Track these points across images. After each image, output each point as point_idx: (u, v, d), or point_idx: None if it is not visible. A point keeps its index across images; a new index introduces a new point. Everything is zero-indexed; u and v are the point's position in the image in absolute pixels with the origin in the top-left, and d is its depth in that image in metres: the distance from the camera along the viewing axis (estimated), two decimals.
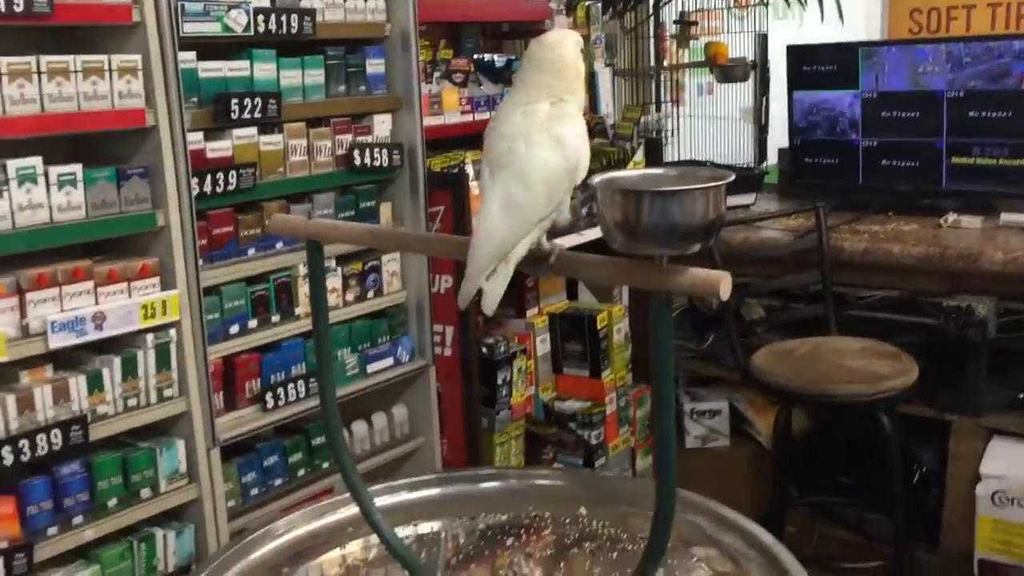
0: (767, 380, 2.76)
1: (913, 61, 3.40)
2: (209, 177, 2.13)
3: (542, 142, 1.10)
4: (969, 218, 3.18)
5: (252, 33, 2.20)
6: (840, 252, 3.08)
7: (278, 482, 2.35)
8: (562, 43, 1.15)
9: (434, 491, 1.62)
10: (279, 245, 2.31)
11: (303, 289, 2.38)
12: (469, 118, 2.88)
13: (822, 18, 3.55)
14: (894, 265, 3.00)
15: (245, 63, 2.23)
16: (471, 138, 2.94)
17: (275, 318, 2.32)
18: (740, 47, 4.00)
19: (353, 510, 1.43)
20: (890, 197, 3.45)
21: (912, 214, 3.35)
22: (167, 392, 2.07)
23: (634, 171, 1.11)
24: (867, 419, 2.73)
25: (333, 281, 2.47)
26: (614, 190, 0.99)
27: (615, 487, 1.68)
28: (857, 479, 3.21)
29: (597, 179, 1.03)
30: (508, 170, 1.10)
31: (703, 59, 3.96)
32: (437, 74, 2.84)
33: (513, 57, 3.11)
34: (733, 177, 0.97)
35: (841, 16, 3.69)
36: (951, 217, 3.21)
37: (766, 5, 3.75)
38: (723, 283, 0.96)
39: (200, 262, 2.10)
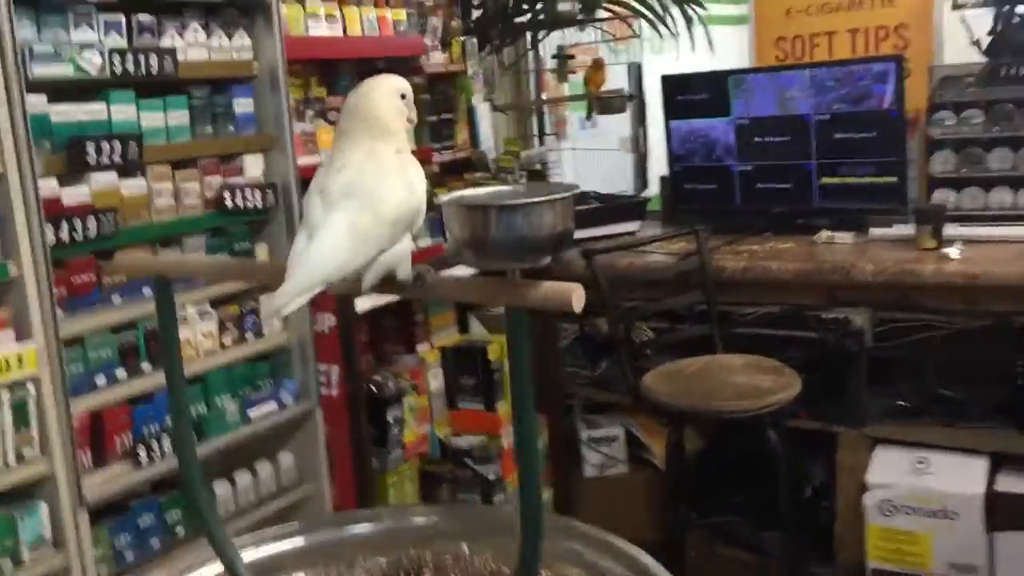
0: (657, 400, 2.78)
1: (780, 87, 3.51)
2: (66, 225, 2.03)
3: (395, 184, 1.13)
4: (841, 234, 3.29)
5: (108, 75, 2.12)
6: (722, 272, 3.14)
7: (155, 543, 2.23)
8: (375, 90, 1.21)
9: (306, 539, 1.55)
10: (147, 291, 2.21)
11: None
12: None
13: (693, 47, 3.64)
14: (773, 281, 3.07)
15: (101, 105, 2.15)
16: None
17: (146, 367, 2.22)
18: (617, 79, 4.08)
19: (219, 568, 1.36)
20: (767, 218, 3.55)
21: (788, 233, 3.45)
22: (27, 452, 1.95)
23: (482, 189, 1.09)
24: (755, 435, 2.76)
25: (209, 325, 2.39)
26: (460, 206, 0.97)
27: (494, 518, 1.64)
28: (750, 497, 3.25)
29: (444, 198, 1.01)
30: (355, 200, 1.10)
31: (583, 92, 4.03)
32: (311, 112, 2.79)
33: None
34: (579, 189, 0.96)
35: (711, 46, 3.80)
36: (824, 234, 3.31)
37: (639, 37, 3.84)
38: (575, 294, 0.95)
39: (60, 312, 2.00)
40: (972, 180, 3.22)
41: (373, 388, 2.80)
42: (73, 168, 2.07)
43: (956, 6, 3.31)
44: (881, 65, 3.32)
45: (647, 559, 1.38)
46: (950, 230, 3.05)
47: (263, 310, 2.50)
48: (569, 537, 1.44)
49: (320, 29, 2.73)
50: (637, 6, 3.84)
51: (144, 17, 2.23)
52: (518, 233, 0.94)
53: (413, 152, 1.23)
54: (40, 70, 1.99)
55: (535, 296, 0.96)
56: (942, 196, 3.26)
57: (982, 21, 3.31)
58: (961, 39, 3.35)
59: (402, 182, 1.13)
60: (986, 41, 3.25)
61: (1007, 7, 3.26)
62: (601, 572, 1.38)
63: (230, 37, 2.43)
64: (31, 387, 1.95)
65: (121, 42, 2.18)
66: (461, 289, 1.01)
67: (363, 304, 2.63)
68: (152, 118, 2.26)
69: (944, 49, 3.56)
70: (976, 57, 3.31)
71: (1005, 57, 3.25)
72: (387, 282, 1.13)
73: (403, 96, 1.21)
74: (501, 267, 0.98)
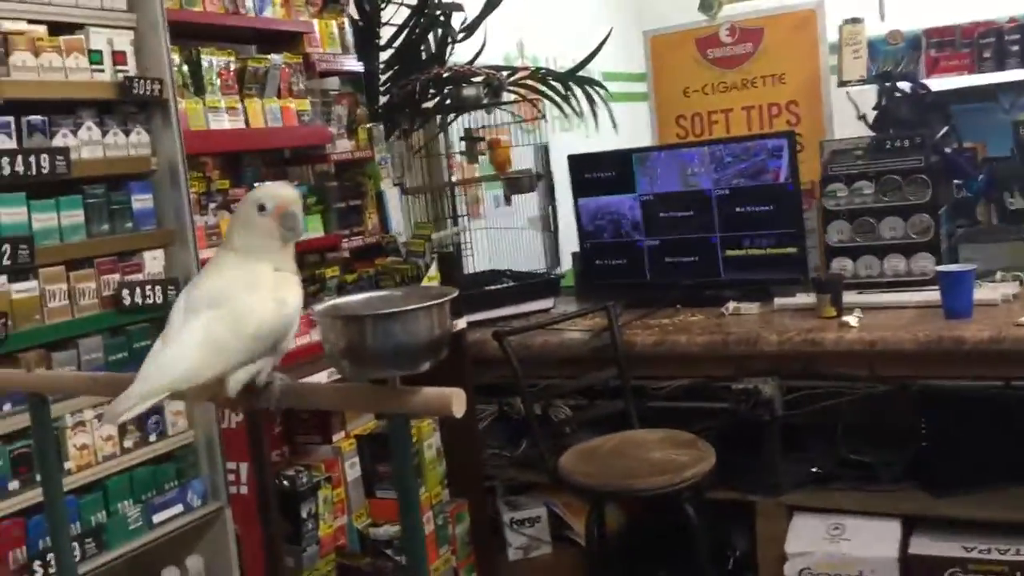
0: (574, 481, 2.77)
1: (682, 163, 3.62)
2: None
3: (264, 297, 1.13)
4: (748, 305, 3.37)
5: None
6: (633, 347, 3.18)
7: None
8: (241, 205, 1.24)
9: None
10: (7, 407, 2.13)
11: (73, 440, 2.21)
12: None
13: (597, 127, 3.73)
14: (683, 355, 3.12)
15: None
16: None
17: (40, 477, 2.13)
18: (526, 159, 4.15)
19: None
20: (676, 291, 3.61)
21: (698, 305, 3.51)
22: None
23: (357, 296, 1.09)
24: (674, 510, 2.77)
25: (109, 429, 2.31)
26: (335, 317, 0.97)
27: None
28: (673, 572, 3.24)
29: (319, 307, 1.00)
30: (218, 310, 1.09)
31: (493, 172, 4.08)
32: (213, 205, 2.76)
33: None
34: (456, 293, 0.97)
35: (615, 125, 3.90)
36: (731, 305, 3.38)
37: (544, 119, 3.92)
38: (455, 400, 0.95)
39: None
40: (866, 248, 3.33)
41: (286, 483, 2.73)
42: None
43: (842, 83, 3.46)
44: (775, 141, 3.45)
45: None
46: (849, 297, 3.15)
47: (105, 414, 2.43)
48: None
49: (222, 122, 2.72)
50: (542, 88, 3.93)
51: (34, 117, 2.19)
52: (396, 341, 0.94)
53: (301, 265, 1.23)
54: None
55: (416, 403, 0.96)
56: (840, 264, 3.37)
57: (867, 97, 3.47)
58: (849, 114, 3.50)
59: (272, 297, 1.12)
60: (872, 116, 3.41)
61: (888, 84, 3.43)
62: None
63: (127, 134, 2.40)
64: None
65: (10, 143, 2.13)
66: (339, 396, 1.00)
67: None
68: (44, 219, 2.21)
69: (834, 123, 3.71)
70: (865, 131, 3.46)
71: (891, 130, 3.41)
72: (247, 393, 1.12)
73: (261, 208, 1.18)
74: (380, 375, 0.97)
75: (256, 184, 2.94)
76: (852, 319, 2.98)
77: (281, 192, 1.21)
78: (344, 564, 2.91)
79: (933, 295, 3.04)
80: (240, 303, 1.11)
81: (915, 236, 3.25)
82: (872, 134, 3.41)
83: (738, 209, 3.48)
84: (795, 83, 3.73)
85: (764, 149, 3.43)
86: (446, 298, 0.96)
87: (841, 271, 3.31)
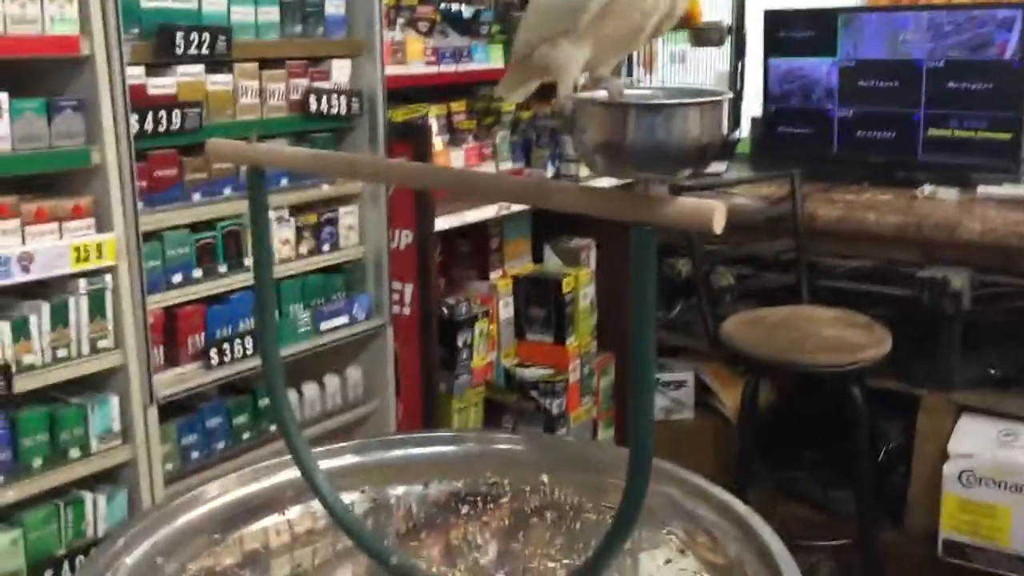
0: (737, 348, 2.67)
1: (893, 29, 3.30)
2: (150, 115, 1.97)
3: None
4: (945, 190, 3.11)
5: None
6: (814, 220, 2.99)
7: (221, 445, 2.21)
8: None
9: (383, 455, 1.49)
10: (227, 191, 2.16)
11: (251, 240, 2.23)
12: (434, 69, 2.73)
13: None
14: (869, 234, 2.92)
15: None
16: (435, 90, 2.81)
17: (222, 268, 2.17)
18: (717, 11, 3.89)
19: (294, 473, 1.30)
20: (864, 169, 3.38)
21: (887, 185, 3.28)
22: (101, 343, 1.92)
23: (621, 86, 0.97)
24: (837, 391, 2.64)
25: (286, 232, 2.33)
26: (593, 104, 0.87)
27: (579, 452, 1.57)
28: (823, 455, 3.14)
29: (577, 95, 0.91)
30: None
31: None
32: (401, 21, 2.68)
33: (482, 8, 2.96)
34: (731, 95, 0.85)
35: None
36: (927, 188, 3.13)
37: None
38: (717, 213, 0.85)
39: (140, 205, 1.95)
40: None
41: (445, 311, 2.73)
42: (161, 57, 2.00)
43: None
44: (1006, 11, 3.10)
45: (741, 507, 1.30)
46: None
47: None
48: (660, 479, 1.36)
49: None
50: None
51: None
52: (662, 138, 0.84)
53: None
54: None
55: (671, 212, 0.87)
56: None
57: None
58: None
59: None
60: None
61: None
62: (696, 520, 1.30)
63: None
64: (108, 279, 1.91)
65: None
66: (581, 197, 0.91)
67: (442, 223, 2.55)
68: (242, 12, 2.17)
69: None
70: None
71: None
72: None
73: None
74: (636, 177, 0.88)
75: (443, 5, 2.84)
76: None
77: None
78: (492, 398, 2.94)
79: None
80: None
81: None
82: None
83: (951, 84, 3.17)
84: None
85: (993, 19, 3.09)
86: (722, 96, 0.85)
87: None
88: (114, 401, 1.95)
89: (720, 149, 3.03)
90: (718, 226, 0.85)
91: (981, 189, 3.08)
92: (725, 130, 0.86)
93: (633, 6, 0.95)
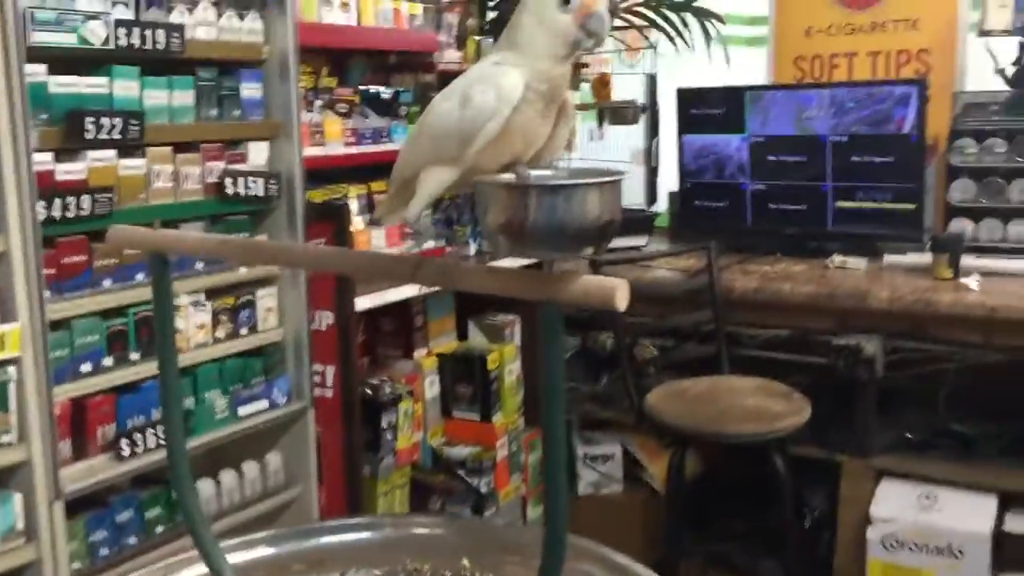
0: (661, 420, 2.69)
1: (798, 106, 3.44)
2: (59, 201, 1.94)
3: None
4: (855, 259, 3.21)
5: (113, 47, 2.03)
6: (731, 291, 3.06)
7: (132, 540, 2.12)
8: None
9: (298, 545, 1.44)
10: (140, 276, 2.11)
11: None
12: (353, 150, 2.75)
13: (710, 60, 3.57)
14: (784, 304, 2.99)
15: (104, 79, 2.05)
16: (355, 170, 2.82)
17: (135, 356, 2.12)
18: (630, 90, 4.00)
19: (203, 569, 1.25)
20: (778, 240, 3.47)
21: (799, 256, 3.37)
22: (4, 438, 1.84)
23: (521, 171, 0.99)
24: (760, 460, 2.67)
25: (202, 316, 2.29)
26: (496, 187, 0.88)
27: (501, 535, 1.54)
28: (750, 524, 3.15)
29: (479, 178, 0.92)
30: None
31: (592, 101, 3.94)
32: (319, 103, 2.70)
33: (401, 89, 3.01)
34: (628, 173, 0.87)
35: (728, 61, 3.72)
36: (837, 259, 3.23)
37: (654, 48, 3.76)
38: (619, 291, 0.86)
39: (47, 293, 1.90)
40: (991, 211, 3.15)
41: (368, 391, 2.70)
42: (70, 142, 1.97)
43: (982, 33, 3.24)
44: (903, 88, 3.26)
45: None
46: (967, 261, 2.98)
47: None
48: (582, 558, 1.35)
49: (334, 16, 2.65)
50: (655, 18, 3.76)
51: None
52: (562, 218, 0.85)
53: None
54: (41, 37, 1.90)
55: (574, 291, 0.87)
56: (959, 226, 3.19)
57: (1007, 50, 3.24)
58: (985, 66, 3.27)
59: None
60: (1011, 70, 3.18)
61: None
62: None
63: (241, 18, 2.34)
64: (12, 370, 1.84)
65: (128, 14, 2.08)
66: (488, 279, 0.92)
67: (363, 303, 2.53)
68: (156, 96, 2.16)
69: (967, 76, 3.49)
70: (1000, 86, 3.24)
71: None
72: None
73: (566, 1, 0.98)
74: (538, 256, 0.88)
75: (362, 87, 2.87)
76: (971, 282, 2.82)
77: None
78: (418, 479, 2.89)
79: None
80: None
81: None
82: (1010, 90, 3.19)
83: (855, 158, 3.30)
84: (929, 30, 3.49)
85: (891, 96, 3.24)
86: (619, 176, 0.87)
87: (961, 232, 3.12)
88: (17, 498, 1.86)
89: (644, 223, 3.05)
90: (621, 303, 0.86)
91: (888, 258, 3.19)
92: (621, 211, 0.88)
93: (515, 138, 0.99)
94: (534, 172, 0.96)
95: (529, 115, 0.97)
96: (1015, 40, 3.21)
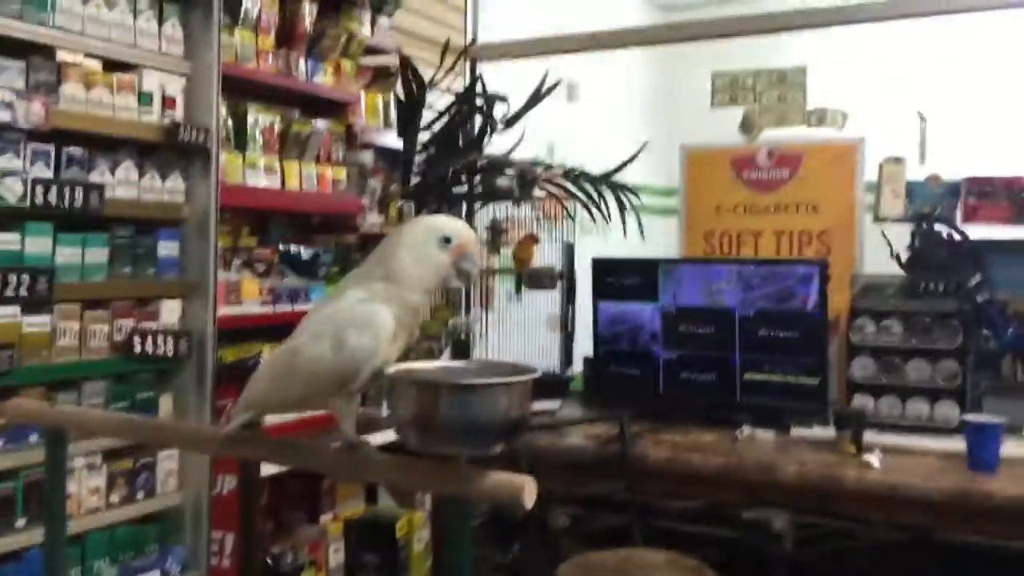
0: None
1: (708, 279, 3.56)
2: None
3: (324, 335, 1.04)
4: (763, 431, 3.26)
5: (28, 205, 2.01)
6: (644, 460, 3.05)
7: None
8: (419, 227, 1.10)
9: None
10: (33, 438, 2.02)
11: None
12: (270, 309, 2.74)
13: (625, 233, 3.70)
14: (695, 475, 2.99)
15: (16, 236, 2.03)
16: (271, 329, 2.79)
17: (20, 522, 2.00)
18: (548, 256, 4.11)
19: None
20: (689, 409, 3.51)
21: (710, 425, 3.41)
22: None
23: (433, 363, 1.00)
24: None
25: (97, 480, 2.19)
26: (409, 383, 0.88)
27: None
28: None
29: (392, 370, 0.92)
30: (297, 338, 1.02)
31: (512, 266, 4.03)
32: (237, 262, 2.70)
33: (321, 250, 3.03)
34: (539, 373, 0.89)
35: (642, 233, 3.87)
36: (746, 430, 3.28)
37: (573, 218, 3.90)
38: (527, 489, 0.86)
39: None
40: (890, 388, 3.25)
41: (269, 561, 2.59)
42: None
43: (877, 219, 3.45)
44: (806, 268, 3.40)
45: None
46: (869, 436, 3.05)
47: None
48: None
49: (258, 180, 2.68)
50: (573, 189, 3.92)
51: (75, 150, 2.15)
52: (472, 416, 0.85)
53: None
54: None
55: (483, 486, 0.87)
56: (861, 401, 3.28)
57: (900, 237, 3.45)
58: (880, 251, 3.47)
59: (332, 335, 1.02)
60: (905, 255, 3.38)
61: (925, 226, 3.42)
62: None
63: (164, 178, 2.35)
64: None
65: (47, 173, 2.08)
66: (399, 471, 0.90)
67: (269, 468, 2.46)
68: (68, 253, 2.14)
69: (864, 259, 3.69)
70: (896, 270, 3.43)
71: (923, 272, 3.37)
72: None
73: (446, 240, 1.05)
74: (448, 452, 0.88)
75: (282, 247, 2.89)
76: (873, 459, 2.88)
77: (465, 229, 1.08)
78: None
79: (955, 444, 2.95)
80: (302, 336, 1.04)
81: (942, 382, 3.17)
82: (903, 274, 3.37)
83: (762, 332, 3.41)
84: (829, 214, 3.71)
85: (794, 274, 3.38)
86: (529, 376, 0.88)
87: (863, 408, 3.22)
88: None
89: (558, 387, 3.04)
90: (528, 501, 0.86)
91: (795, 431, 3.25)
92: (529, 409, 0.89)
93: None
94: (446, 364, 0.97)
95: (391, 349, 1.02)
96: (907, 228, 3.42)
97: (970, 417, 2.92)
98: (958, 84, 4.84)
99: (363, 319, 1.01)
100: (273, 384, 1.06)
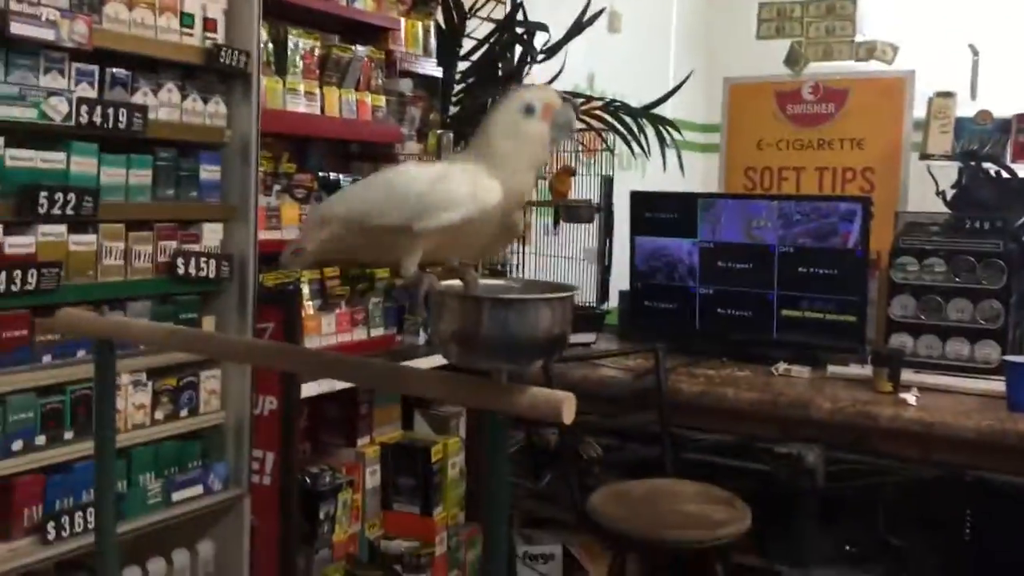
0: (603, 522, 2.66)
1: (748, 215, 3.53)
2: (4, 274, 1.90)
3: (429, 174, 1.05)
4: (799, 368, 3.26)
5: (73, 124, 2.03)
6: (677, 394, 3.08)
7: None
8: (501, 108, 1.07)
9: None
10: (81, 353, 2.07)
11: None
12: None
13: (664, 167, 3.67)
14: (728, 409, 3.01)
15: (61, 155, 2.05)
16: None
17: (68, 435, 2.06)
18: (586, 190, 4.08)
19: None
20: (725, 345, 3.52)
21: (745, 361, 3.41)
22: None
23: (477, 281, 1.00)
24: (701, 568, 2.65)
25: (142, 397, 2.24)
26: (449, 296, 0.89)
27: None
28: None
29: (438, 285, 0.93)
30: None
31: (550, 198, 4.01)
32: (278, 187, 2.71)
33: (359, 178, 3.04)
34: (578, 290, 0.89)
35: (682, 168, 3.83)
36: (782, 366, 3.28)
37: (612, 152, 3.86)
38: (566, 404, 0.87)
39: None
40: (930, 327, 3.23)
41: (307, 480, 2.65)
42: (21, 216, 1.95)
43: (924, 156, 3.38)
44: (849, 205, 3.37)
45: None
46: (906, 375, 3.04)
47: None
48: None
49: (298, 105, 2.68)
50: (613, 122, 3.88)
51: (118, 71, 2.15)
52: (512, 331, 0.86)
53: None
54: (1, 111, 1.89)
55: (522, 402, 0.88)
56: (899, 340, 3.26)
57: (947, 175, 3.38)
58: (926, 189, 3.41)
59: (440, 168, 1.02)
60: (950, 194, 3.32)
61: (972, 163, 3.35)
62: None
63: (205, 101, 2.36)
64: None
65: (91, 93, 2.09)
66: (441, 385, 0.92)
67: (308, 389, 2.50)
68: (113, 174, 2.16)
69: (908, 196, 3.63)
70: (941, 208, 3.37)
71: (968, 211, 3.31)
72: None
73: (529, 109, 1.03)
74: (488, 367, 0.89)
75: (321, 173, 2.89)
76: (910, 397, 2.87)
77: (547, 91, 1.06)
78: (353, 574, 2.82)
79: (994, 385, 2.93)
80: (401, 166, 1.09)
81: (983, 322, 3.14)
82: (949, 212, 3.32)
83: (800, 269, 3.38)
84: (874, 150, 3.64)
85: (836, 211, 3.34)
86: (570, 292, 0.88)
87: (901, 347, 3.20)
88: None
89: (594, 320, 3.06)
90: (567, 416, 0.87)
91: (831, 368, 3.24)
92: (571, 324, 0.89)
93: (457, 239, 1.01)
94: (485, 282, 0.97)
95: (485, 225, 0.99)
96: (955, 165, 3.35)
97: (1011, 358, 2.89)
98: (1012, 16, 4.69)
99: (475, 175, 1.01)
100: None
